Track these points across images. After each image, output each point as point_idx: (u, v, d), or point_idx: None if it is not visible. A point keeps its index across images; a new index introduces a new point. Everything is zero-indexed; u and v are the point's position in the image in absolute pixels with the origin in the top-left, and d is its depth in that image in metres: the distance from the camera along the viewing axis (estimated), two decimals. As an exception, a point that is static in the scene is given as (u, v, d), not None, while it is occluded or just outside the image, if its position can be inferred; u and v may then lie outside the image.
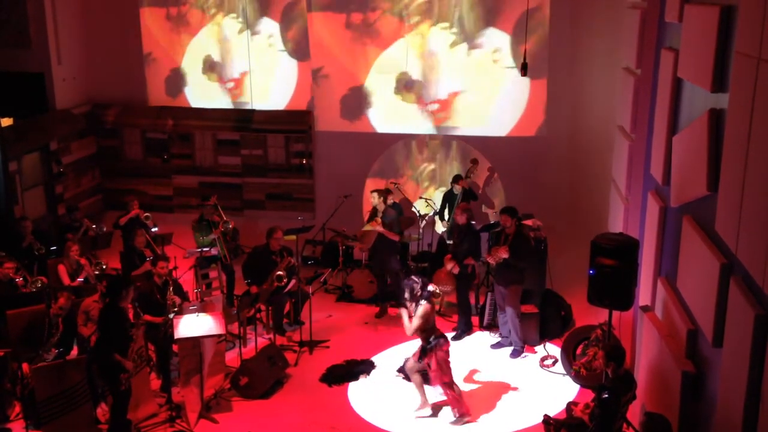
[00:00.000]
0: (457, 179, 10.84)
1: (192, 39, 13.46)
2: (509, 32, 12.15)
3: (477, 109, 12.56)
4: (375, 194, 9.97)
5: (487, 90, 12.45)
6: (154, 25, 13.56)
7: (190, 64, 13.55)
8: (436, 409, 7.76)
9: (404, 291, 7.41)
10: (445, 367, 7.40)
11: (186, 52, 13.53)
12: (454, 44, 12.43)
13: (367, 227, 9.85)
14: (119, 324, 6.98)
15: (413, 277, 7.54)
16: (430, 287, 7.47)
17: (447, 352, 7.39)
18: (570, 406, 6.66)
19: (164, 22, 13.51)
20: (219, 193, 11.21)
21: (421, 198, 12.24)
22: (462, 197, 10.63)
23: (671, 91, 6.45)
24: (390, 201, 10.08)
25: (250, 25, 13.12)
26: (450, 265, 9.10)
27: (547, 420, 6.60)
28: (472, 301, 9.78)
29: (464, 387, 8.17)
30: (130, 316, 7.16)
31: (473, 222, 9.40)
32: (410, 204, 11.78)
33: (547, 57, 12.16)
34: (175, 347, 8.02)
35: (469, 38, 12.34)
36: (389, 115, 12.92)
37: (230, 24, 13.26)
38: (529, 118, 12.45)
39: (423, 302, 7.30)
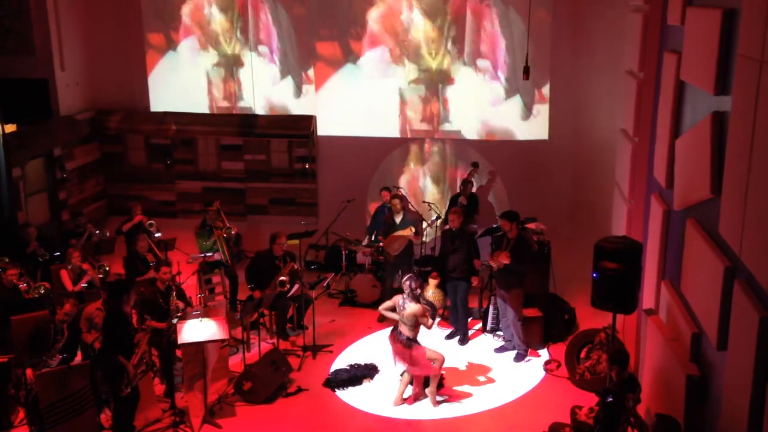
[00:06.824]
0: (466, 183, 10.87)
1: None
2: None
3: (479, 113, 12.58)
4: (396, 200, 9.99)
5: (489, 94, 12.49)
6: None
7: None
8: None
9: (407, 286, 7.62)
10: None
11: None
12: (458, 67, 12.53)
13: (401, 233, 9.76)
14: (123, 328, 6.98)
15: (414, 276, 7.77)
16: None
17: None
18: (574, 410, 6.65)
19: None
20: (222, 198, 11.22)
21: (424, 202, 12.23)
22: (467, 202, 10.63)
23: (674, 94, 6.45)
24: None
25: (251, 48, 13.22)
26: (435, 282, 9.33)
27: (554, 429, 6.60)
28: (475, 305, 9.78)
29: (468, 391, 8.17)
30: (134, 321, 7.15)
31: (475, 225, 9.38)
32: (413, 208, 11.77)
33: (550, 60, 12.16)
34: (178, 352, 8.02)
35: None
36: (391, 119, 12.94)
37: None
38: (532, 122, 12.45)
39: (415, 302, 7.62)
